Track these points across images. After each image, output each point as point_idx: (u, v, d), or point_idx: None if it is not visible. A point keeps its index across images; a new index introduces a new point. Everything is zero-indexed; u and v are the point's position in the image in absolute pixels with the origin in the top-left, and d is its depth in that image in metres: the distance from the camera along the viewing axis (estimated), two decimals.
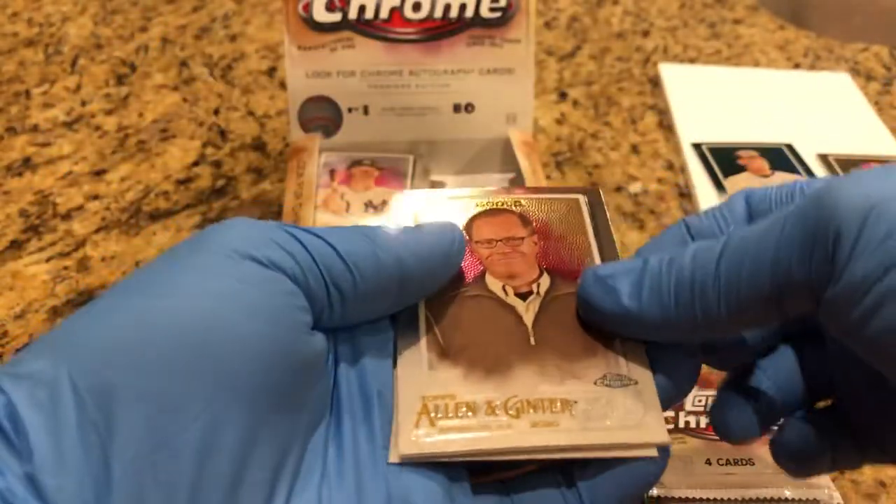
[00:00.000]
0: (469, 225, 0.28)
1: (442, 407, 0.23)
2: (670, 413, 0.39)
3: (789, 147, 0.59)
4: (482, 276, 0.27)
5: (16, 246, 0.50)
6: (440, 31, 0.50)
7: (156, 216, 0.52)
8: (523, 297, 0.26)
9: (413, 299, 0.25)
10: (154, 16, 0.75)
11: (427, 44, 0.50)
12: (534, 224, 0.28)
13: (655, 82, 0.69)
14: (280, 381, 0.21)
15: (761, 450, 0.38)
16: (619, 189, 0.57)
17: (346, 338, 0.24)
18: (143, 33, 0.72)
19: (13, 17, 0.74)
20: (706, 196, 0.55)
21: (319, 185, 0.48)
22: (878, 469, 0.39)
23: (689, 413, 0.39)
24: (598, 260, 0.28)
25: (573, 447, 0.23)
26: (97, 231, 0.51)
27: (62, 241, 0.50)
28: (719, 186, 0.55)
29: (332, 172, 0.50)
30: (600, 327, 0.25)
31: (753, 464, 0.37)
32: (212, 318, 0.20)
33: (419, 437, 0.22)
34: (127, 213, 0.53)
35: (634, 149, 0.61)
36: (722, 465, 0.37)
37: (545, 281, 0.27)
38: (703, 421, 0.39)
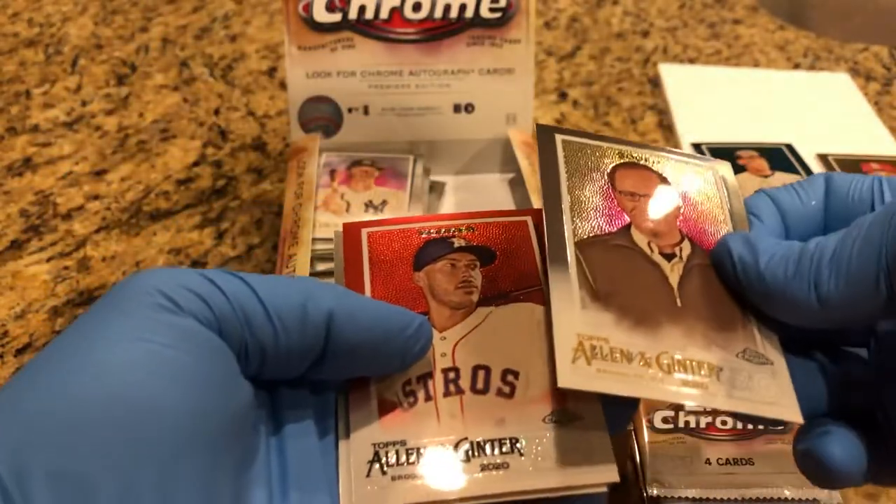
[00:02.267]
0: (612, 173, 0.28)
1: (598, 348, 0.23)
2: (670, 413, 0.39)
3: (789, 147, 0.59)
4: (628, 227, 0.26)
5: (16, 246, 0.50)
6: (440, 31, 0.50)
7: (156, 216, 0.52)
8: (668, 257, 0.26)
9: (350, 370, 0.24)
10: (154, 16, 0.75)
11: (427, 44, 0.50)
12: (672, 184, 0.28)
13: (655, 82, 0.69)
14: (203, 441, 0.20)
15: (761, 449, 0.38)
16: None
17: (284, 391, 0.23)
18: (143, 33, 0.72)
19: (13, 18, 0.74)
20: None
21: (319, 185, 0.48)
22: None
23: (689, 413, 0.39)
24: None
25: (720, 410, 0.25)
26: (97, 231, 0.51)
27: (63, 241, 0.50)
28: None
29: (332, 172, 0.50)
30: (743, 292, 0.25)
31: (753, 463, 0.37)
32: (128, 388, 0.19)
33: (577, 370, 0.23)
34: (127, 213, 0.53)
35: None
36: (722, 464, 0.37)
37: (686, 246, 0.26)
38: (704, 421, 0.39)
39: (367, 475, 0.23)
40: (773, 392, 0.23)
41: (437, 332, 0.25)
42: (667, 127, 0.63)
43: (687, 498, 0.36)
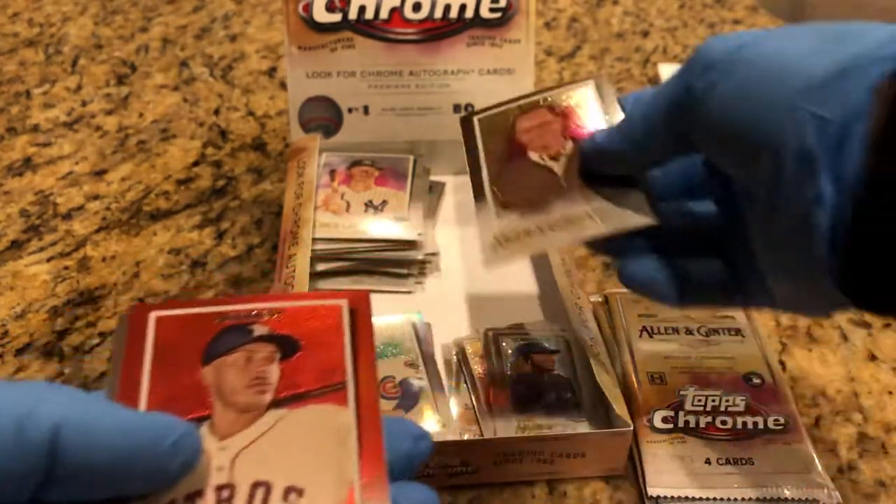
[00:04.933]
0: (513, 123, 0.38)
1: (508, 237, 0.34)
2: (670, 413, 0.39)
3: None
4: (525, 152, 0.36)
5: (16, 246, 0.50)
6: (440, 31, 0.50)
7: (156, 216, 0.53)
8: (555, 158, 0.36)
9: (92, 494, 0.20)
10: (154, 16, 0.75)
11: (427, 44, 0.50)
12: (557, 109, 0.37)
13: (655, 82, 0.69)
14: None
15: (760, 449, 0.38)
16: None
17: None
18: (143, 33, 0.72)
19: (14, 18, 0.74)
20: None
21: (319, 185, 0.48)
22: (878, 469, 0.39)
23: (689, 413, 0.39)
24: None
25: (600, 234, 0.33)
26: (97, 231, 0.51)
27: (62, 241, 0.50)
28: None
29: (332, 172, 0.50)
30: (595, 163, 0.34)
31: (753, 463, 0.37)
32: None
33: (495, 256, 0.33)
34: (127, 213, 0.53)
35: None
36: (722, 464, 0.37)
37: (569, 145, 0.36)
38: (703, 421, 0.39)
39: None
40: (632, 206, 0.32)
41: (218, 441, 0.22)
42: None
43: (687, 498, 0.36)
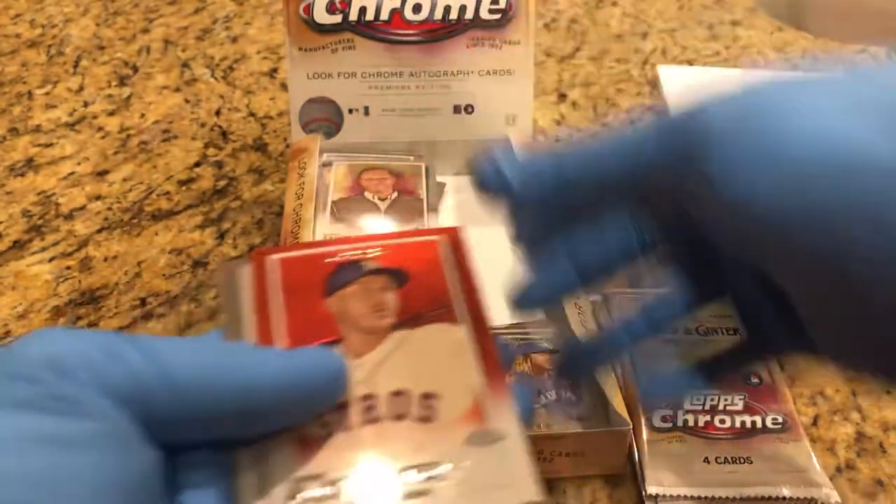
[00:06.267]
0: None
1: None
2: (668, 411, 0.39)
3: None
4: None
5: (18, 246, 0.50)
6: (440, 32, 0.50)
7: (158, 216, 0.53)
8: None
9: (266, 430, 0.23)
10: (156, 17, 0.75)
11: (427, 45, 0.50)
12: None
13: (654, 84, 0.69)
14: None
15: (759, 448, 0.38)
16: None
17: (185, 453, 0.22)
18: (144, 34, 0.73)
19: (16, 19, 0.74)
20: None
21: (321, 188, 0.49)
22: (876, 468, 0.39)
23: (688, 412, 0.39)
24: None
25: None
26: (99, 231, 0.51)
27: (64, 242, 0.51)
28: None
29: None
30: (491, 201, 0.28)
31: (752, 462, 0.37)
32: (25, 460, 0.18)
33: None
34: (129, 213, 0.53)
35: None
36: (720, 463, 0.37)
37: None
38: (702, 419, 0.39)
39: None
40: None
41: (353, 359, 0.25)
42: None
43: (685, 496, 0.36)
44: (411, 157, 0.52)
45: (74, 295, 0.47)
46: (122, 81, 0.66)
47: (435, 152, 0.53)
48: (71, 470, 0.18)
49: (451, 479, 0.23)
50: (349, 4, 0.49)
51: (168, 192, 0.55)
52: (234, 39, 0.72)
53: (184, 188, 0.55)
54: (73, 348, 0.20)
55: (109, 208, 0.53)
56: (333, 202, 0.48)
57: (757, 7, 0.82)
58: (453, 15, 0.50)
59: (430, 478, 0.23)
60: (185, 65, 0.69)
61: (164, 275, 0.48)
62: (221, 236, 0.51)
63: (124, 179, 0.56)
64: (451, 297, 0.27)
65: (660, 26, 0.77)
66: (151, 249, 0.50)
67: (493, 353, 0.26)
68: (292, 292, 0.26)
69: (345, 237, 0.30)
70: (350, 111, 0.52)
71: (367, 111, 0.52)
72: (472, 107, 0.52)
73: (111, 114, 0.63)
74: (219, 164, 0.58)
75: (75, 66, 0.68)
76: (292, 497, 0.22)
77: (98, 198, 0.54)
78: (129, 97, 0.64)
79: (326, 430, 0.23)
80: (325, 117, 0.52)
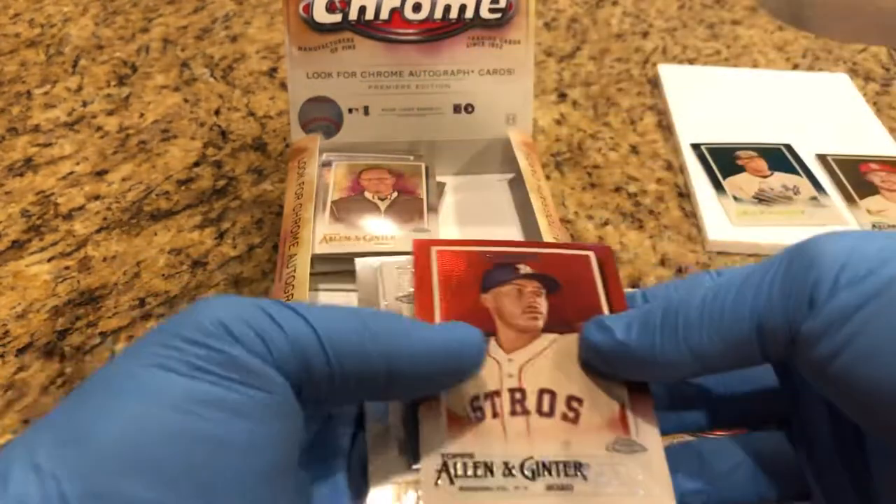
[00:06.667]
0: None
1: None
2: None
3: (788, 147, 0.60)
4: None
5: (17, 246, 0.50)
6: (440, 31, 0.50)
7: (157, 216, 0.53)
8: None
9: (407, 397, 0.24)
10: (155, 16, 0.75)
11: (427, 44, 0.50)
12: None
13: (654, 83, 0.69)
14: (266, 475, 0.20)
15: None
16: (618, 189, 0.57)
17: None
18: (144, 34, 0.72)
19: (15, 18, 0.74)
20: (705, 196, 0.55)
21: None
22: None
23: None
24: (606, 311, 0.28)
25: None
26: (98, 231, 0.51)
27: (63, 242, 0.50)
28: (718, 187, 0.56)
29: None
30: (615, 371, 0.26)
31: None
32: (191, 422, 0.19)
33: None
34: (128, 213, 0.53)
35: (634, 149, 0.61)
36: None
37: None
38: None
39: (435, 484, 0.23)
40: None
41: (505, 353, 0.26)
42: (666, 127, 0.63)
43: None
44: (411, 157, 0.52)
45: (73, 295, 0.47)
46: (122, 81, 0.66)
47: (435, 152, 0.53)
48: (231, 436, 0.19)
49: (592, 479, 0.24)
50: (349, 4, 0.49)
51: (167, 192, 0.55)
52: (234, 39, 0.72)
53: (183, 188, 0.55)
54: (242, 314, 0.21)
55: (108, 208, 0.53)
56: (333, 202, 0.48)
57: (757, 6, 0.81)
58: (453, 14, 0.49)
59: (573, 475, 0.24)
60: (185, 64, 0.69)
61: (163, 275, 0.48)
62: (221, 236, 0.51)
63: (123, 179, 0.56)
64: (602, 310, 0.28)
65: (660, 25, 0.77)
66: (150, 249, 0.50)
67: None
68: (449, 283, 0.28)
69: (503, 241, 0.30)
70: (350, 111, 0.51)
71: (366, 111, 0.52)
72: (472, 106, 0.52)
73: (110, 113, 0.62)
74: (218, 164, 0.58)
75: (74, 66, 0.68)
76: (440, 470, 0.23)
77: (97, 198, 0.54)
78: (128, 97, 0.64)
79: (477, 413, 0.25)
80: (325, 117, 0.52)
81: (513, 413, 0.25)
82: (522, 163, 0.50)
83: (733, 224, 0.53)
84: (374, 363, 0.22)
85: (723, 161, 0.58)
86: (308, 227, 0.45)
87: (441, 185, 0.53)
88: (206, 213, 0.53)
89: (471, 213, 0.51)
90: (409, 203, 0.48)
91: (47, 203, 0.53)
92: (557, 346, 0.27)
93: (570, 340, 0.27)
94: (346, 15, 0.49)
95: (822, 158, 0.59)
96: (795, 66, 0.72)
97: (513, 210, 0.51)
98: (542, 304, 0.28)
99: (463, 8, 0.49)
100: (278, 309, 0.21)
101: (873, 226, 0.53)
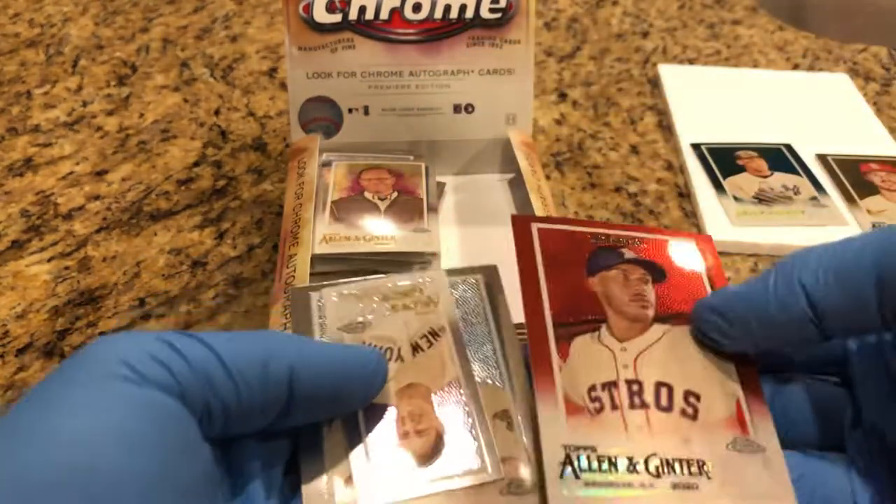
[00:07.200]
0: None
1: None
2: None
3: (788, 147, 0.60)
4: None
5: (17, 246, 0.50)
6: (440, 31, 0.50)
7: (157, 216, 0.53)
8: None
9: (314, 417, 0.24)
10: (155, 16, 0.75)
11: (427, 44, 0.50)
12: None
13: (655, 83, 0.69)
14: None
15: None
16: (618, 189, 0.57)
17: (239, 445, 0.24)
18: (143, 34, 0.72)
19: (14, 18, 0.74)
20: (705, 196, 0.55)
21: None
22: None
23: None
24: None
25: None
26: (98, 231, 0.51)
27: (63, 242, 0.50)
28: (718, 187, 0.56)
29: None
30: (712, 335, 0.25)
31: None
32: (92, 458, 0.19)
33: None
34: (128, 213, 0.53)
35: (634, 149, 0.61)
36: None
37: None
38: None
39: (561, 476, 0.22)
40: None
41: (618, 342, 0.26)
42: (666, 127, 0.63)
43: None
44: (411, 157, 0.52)
45: (73, 295, 0.47)
46: (121, 81, 0.66)
47: (435, 152, 0.53)
48: (138, 466, 0.19)
49: (715, 479, 0.23)
50: (349, 4, 0.49)
51: (167, 192, 0.55)
52: (234, 39, 0.72)
53: (183, 188, 0.55)
54: (144, 348, 0.21)
55: (108, 208, 0.53)
56: (333, 202, 0.48)
57: (757, 6, 0.81)
58: (453, 14, 0.49)
59: (696, 474, 0.23)
60: (185, 64, 0.68)
61: (163, 275, 0.48)
62: (221, 236, 0.51)
63: (123, 179, 0.56)
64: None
65: (660, 25, 0.77)
66: (150, 249, 0.50)
67: (752, 364, 0.26)
68: (553, 263, 0.27)
69: (605, 222, 0.29)
70: (350, 111, 0.51)
71: (366, 111, 0.52)
72: (472, 106, 0.52)
73: (110, 113, 0.62)
74: (218, 164, 0.57)
75: (74, 66, 0.68)
76: (564, 463, 0.23)
77: (97, 198, 0.54)
78: (127, 97, 0.64)
79: (595, 403, 0.24)
80: (325, 117, 0.51)
81: (631, 406, 0.24)
82: (522, 163, 0.49)
83: (733, 224, 0.53)
84: (277, 378, 0.22)
85: (723, 161, 0.58)
86: (308, 227, 0.45)
87: (441, 185, 0.53)
88: (206, 213, 0.53)
89: (471, 213, 0.51)
90: (409, 203, 0.48)
91: (47, 203, 0.53)
92: (669, 337, 0.26)
93: (682, 332, 0.26)
94: (346, 15, 0.49)
95: (822, 158, 0.59)
96: (795, 66, 0.72)
97: (513, 210, 0.51)
98: (650, 293, 0.27)
99: (463, 8, 0.49)
100: (178, 338, 0.22)
101: (874, 226, 0.53)
